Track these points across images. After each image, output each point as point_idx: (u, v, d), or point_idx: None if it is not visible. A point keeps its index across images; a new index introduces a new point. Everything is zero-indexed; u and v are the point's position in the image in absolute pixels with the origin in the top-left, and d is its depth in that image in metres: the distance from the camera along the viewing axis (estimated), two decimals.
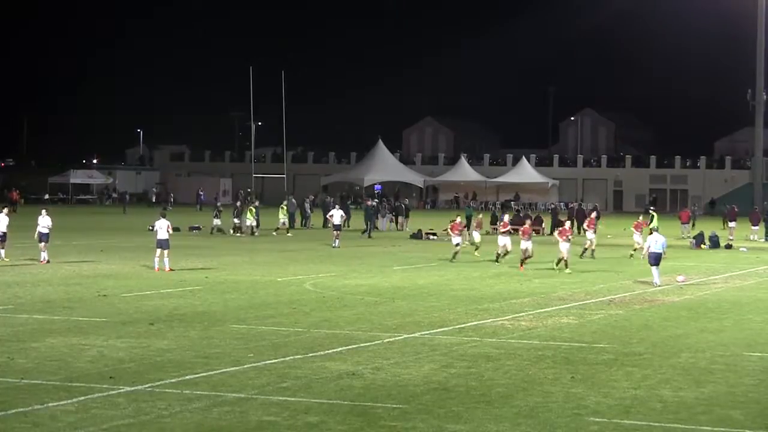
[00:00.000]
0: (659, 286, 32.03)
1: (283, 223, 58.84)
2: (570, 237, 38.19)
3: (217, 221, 58.88)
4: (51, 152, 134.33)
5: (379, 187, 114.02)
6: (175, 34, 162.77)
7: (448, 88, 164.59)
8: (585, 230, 44.97)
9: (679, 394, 16.66)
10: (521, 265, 37.99)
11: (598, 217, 49.55)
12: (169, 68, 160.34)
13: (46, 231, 38.78)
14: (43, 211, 39.83)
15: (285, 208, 60.38)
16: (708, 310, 27.19)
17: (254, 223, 57.84)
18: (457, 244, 41.66)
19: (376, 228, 63.93)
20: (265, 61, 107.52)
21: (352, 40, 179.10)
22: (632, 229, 45.13)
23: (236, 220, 58.99)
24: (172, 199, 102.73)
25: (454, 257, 41.36)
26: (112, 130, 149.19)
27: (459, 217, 44.13)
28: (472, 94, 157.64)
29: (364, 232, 58.38)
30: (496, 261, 40.23)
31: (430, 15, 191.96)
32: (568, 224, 40.95)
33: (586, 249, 43.43)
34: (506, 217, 43.22)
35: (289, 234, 57.12)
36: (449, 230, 42.40)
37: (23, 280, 31.83)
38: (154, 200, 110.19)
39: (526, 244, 38.25)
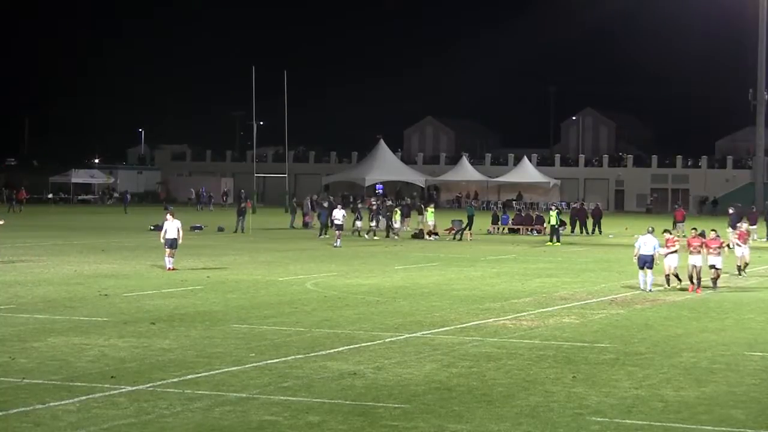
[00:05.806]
0: (650, 291, 30.75)
1: (421, 230, 57.19)
2: None
3: (359, 223, 58.37)
4: (52, 152, 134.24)
5: (381, 186, 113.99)
6: (175, 33, 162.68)
7: (449, 88, 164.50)
8: (737, 245, 35.60)
9: (681, 394, 16.66)
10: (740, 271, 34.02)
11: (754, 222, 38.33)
12: (169, 68, 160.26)
13: (174, 236, 35.12)
14: (169, 216, 35.70)
15: (431, 211, 58.96)
16: (709, 310, 27.18)
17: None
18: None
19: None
20: (267, 61, 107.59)
21: (353, 39, 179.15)
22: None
23: (358, 223, 58.26)
24: (212, 199, 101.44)
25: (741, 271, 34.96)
26: (113, 130, 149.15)
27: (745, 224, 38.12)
28: (473, 93, 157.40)
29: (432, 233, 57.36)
30: (739, 274, 35.20)
31: (430, 14, 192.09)
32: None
33: (739, 267, 35.42)
34: (745, 226, 35.13)
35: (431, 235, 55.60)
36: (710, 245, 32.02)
37: (24, 280, 31.82)
38: (195, 200, 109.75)
39: (742, 250, 33.86)
